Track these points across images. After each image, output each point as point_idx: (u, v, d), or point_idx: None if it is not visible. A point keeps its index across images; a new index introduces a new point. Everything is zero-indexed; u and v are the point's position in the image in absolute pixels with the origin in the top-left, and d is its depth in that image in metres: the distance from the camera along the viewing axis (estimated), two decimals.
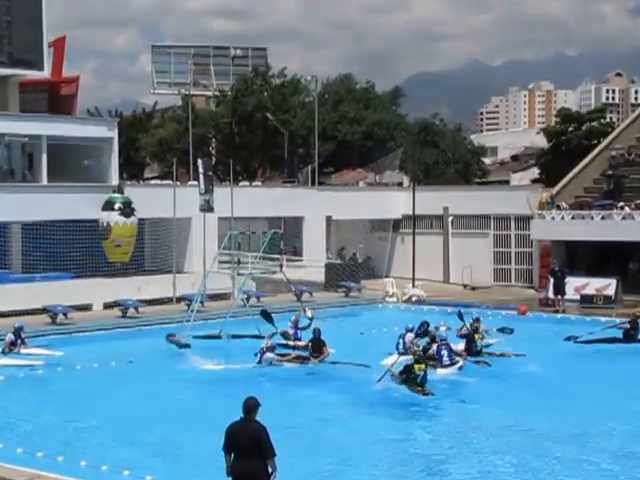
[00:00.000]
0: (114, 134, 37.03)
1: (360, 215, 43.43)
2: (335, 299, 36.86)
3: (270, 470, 10.54)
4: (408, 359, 21.20)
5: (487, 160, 72.08)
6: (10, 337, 24.98)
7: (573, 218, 38.27)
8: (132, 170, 60.04)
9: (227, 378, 21.55)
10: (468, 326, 25.24)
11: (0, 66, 37.88)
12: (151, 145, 60.92)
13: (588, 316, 31.98)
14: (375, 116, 60.23)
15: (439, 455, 15.75)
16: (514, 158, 78.89)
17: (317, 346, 24.03)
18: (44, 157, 35.17)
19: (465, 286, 40.77)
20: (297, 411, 18.89)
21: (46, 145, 35.09)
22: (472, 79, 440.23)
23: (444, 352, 22.56)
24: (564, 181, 42.00)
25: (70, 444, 16.14)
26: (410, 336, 23.57)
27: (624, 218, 37.01)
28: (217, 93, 61.07)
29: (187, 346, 25.61)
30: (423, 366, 20.15)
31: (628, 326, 26.84)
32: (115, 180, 36.62)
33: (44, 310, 30.02)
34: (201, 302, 30.24)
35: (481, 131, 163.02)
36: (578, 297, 34.89)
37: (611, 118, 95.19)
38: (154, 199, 35.62)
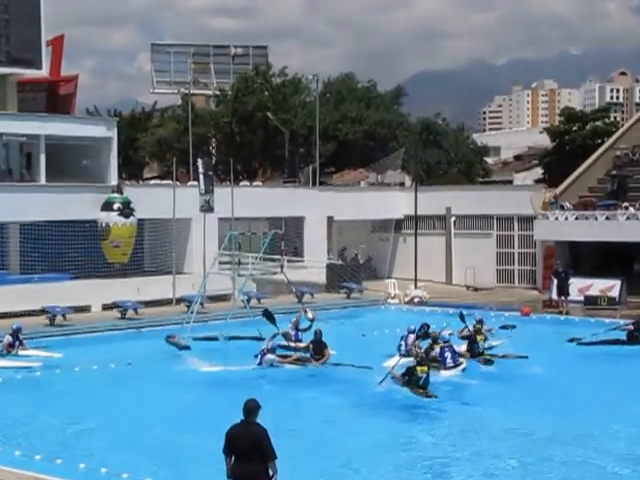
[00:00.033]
0: (113, 133, 37.02)
1: (362, 215, 43.42)
2: (336, 300, 36.87)
3: (271, 473, 10.52)
4: (410, 361, 21.21)
5: (490, 160, 72.05)
6: (8, 339, 24.97)
7: (577, 218, 38.24)
8: (131, 170, 60.06)
9: (227, 380, 21.54)
10: (470, 328, 25.23)
11: None
12: (150, 145, 60.93)
13: (592, 317, 31.97)
14: (377, 115, 60.28)
15: (442, 458, 15.74)
16: (517, 158, 78.96)
17: (318, 348, 24.02)
18: (42, 157, 35.17)
19: (468, 287, 40.78)
20: (298, 413, 18.91)
21: (44, 145, 35.07)
22: (475, 78, 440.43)
23: (447, 354, 22.58)
24: (568, 181, 41.97)
25: (69, 447, 16.16)
26: (412, 338, 23.59)
27: (628, 218, 36.97)
28: (217, 92, 61.10)
29: (187, 348, 25.63)
30: (425, 368, 20.15)
31: (632, 328, 26.79)
32: (114, 180, 36.62)
33: (42, 311, 30.05)
34: (201, 303, 30.26)
35: (484, 130, 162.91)
36: (582, 298, 34.86)
37: (615, 117, 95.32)
38: (153, 199, 35.62)
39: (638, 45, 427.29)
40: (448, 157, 60.86)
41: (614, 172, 41.13)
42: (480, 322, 25.68)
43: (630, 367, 24.09)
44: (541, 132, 71.74)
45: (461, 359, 23.00)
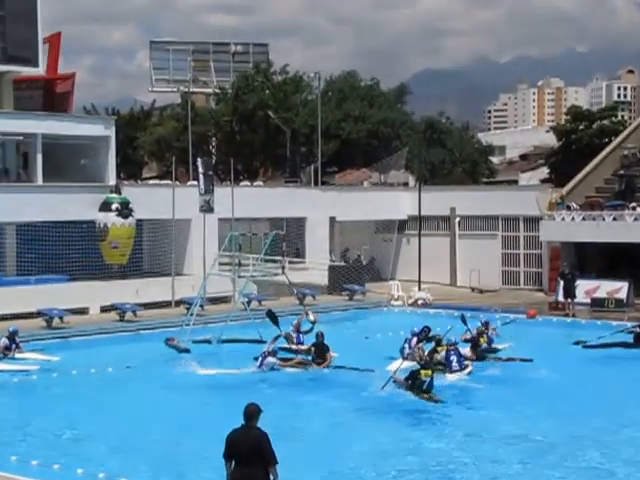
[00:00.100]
0: (111, 132, 37.03)
1: (364, 216, 43.39)
2: (339, 302, 36.85)
3: (272, 478, 10.52)
4: (413, 365, 21.20)
5: (495, 159, 72.07)
6: (4, 341, 24.99)
7: (584, 219, 38.21)
8: (130, 170, 60.10)
9: (227, 383, 21.56)
10: (474, 330, 25.24)
11: None
12: (149, 144, 60.93)
13: (599, 320, 31.96)
14: (380, 114, 60.28)
15: (446, 463, 15.69)
16: (523, 157, 78.93)
17: (320, 351, 24.02)
18: (39, 156, 35.17)
19: (472, 289, 40.77)
20: (300, 417, 18.89)
21: (41, 144, 35.08)
22: (479, 76, 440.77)
23: (453, 357, 22.60)
24: (574, 181, 41.95)
25: (66, 451, 16.14)
26: (415, 341, 23.56)
27: (636, 219, 36.92)
28: (217, 90, 61.10)
29: (187, 351, 25.62)
30: (429, 372, 20.13)
31: (639, 330, 26.79)
32: (112, 180, 36.62)
33: (39, 314, 30.05)
34: (201, 305, 30.25)
35: (489, 129, 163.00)
36: (589, 300, 34.85)
37: (623, 116, 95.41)
38: (153, 199, 35.64)
39: None
40: (452, 156, 60.86)
41: (621, 172, 41.13)
42: (486, 324, 25.70)
43: (637, 370, 24.08)
44: (547, 131, 71.73)
45: (467, 362, 23.02)
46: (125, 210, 34.54)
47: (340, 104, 60.70)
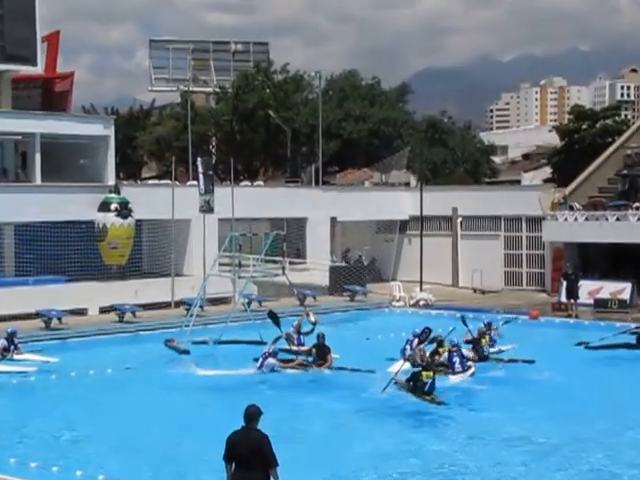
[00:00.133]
0: (110, 132, 37.03)
1: (366, 216, 43.39)
2: (340, 303, 36.83)
3: None
4: (415, 366, 21.20)
5: (497, 159, 72.12)
6: (3, 343, 24.99)
7: (587, 219, 38.20)
8: (129, 169, 60.17)
9: (227, 385, 21.55)
10: (474, 332, 25.23)
11: None
12: (149, 143, 60.97)
13: (602, 321, 31.96)
14: (381, 113, 60.31)
15: (449, 465, 15.67)
16: (525, 157, 79.02)
17: (322, 352, 24.01)
18: (38, 156, 35.17)
19: (475, 290, 40.75)
20: (300, 419, 18.89)
21: (40, 143, 35.08)
22: (481, 75, 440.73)
23: (456, 359, 22.62)
24: (577, 181, 41.95)
25: (65, 453, 16.14)
26: (417, 342, 23.53)
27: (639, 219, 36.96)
28: (217, 90, 61.15)
29: (186, 352, 25.60)
30: (431, 373, 20.11)
31: None
32: (111, 180, 36.63)
33: (38, 315, 30.03)
34: (201, 306, 30.24)
35: (491, 129, 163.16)
36: (592, 301, 34.83)
37: (626, 115, 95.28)
38: (152, 199, 35.64)
39: None
40: (454, 156, 60.89)
41: (625, 172, 41.11)
42: (488, 325, 25.69)
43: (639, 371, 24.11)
44: (550, 130, 71.76)
45: (469, 363, 23.02)
46: (124, 210, 34.53)
47: (341, 103, 60.74)
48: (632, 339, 26.71)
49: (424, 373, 20.05)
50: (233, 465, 10.68)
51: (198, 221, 34.85)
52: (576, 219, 38.40)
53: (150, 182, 48.34)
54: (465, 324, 25.80)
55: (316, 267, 39.28)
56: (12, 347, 25.02)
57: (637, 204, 37.83)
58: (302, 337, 26.02)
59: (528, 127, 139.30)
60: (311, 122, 53.48)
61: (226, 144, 57.18)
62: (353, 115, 59.37)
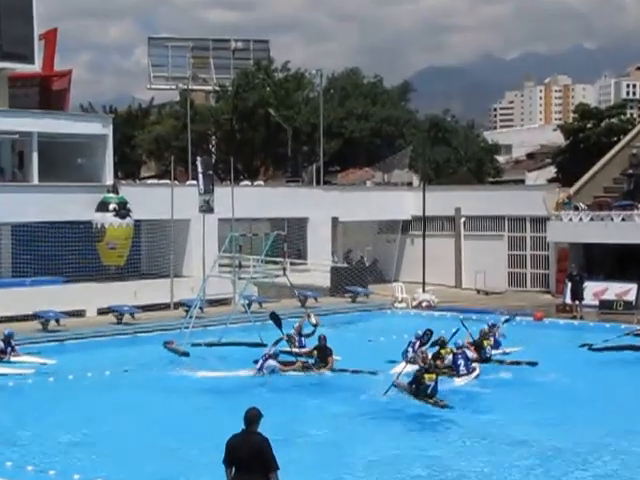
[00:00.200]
0: (109, 131, 37.01)
1: (368, 216, 43.38)
2: (341, 304, 36.86)
3: None
4: (416, 369, 21.19)
5: (501, 158, 72.16)
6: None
7: (592, 219, 38.17)
8: (128, 169, 60.18)
9: (228, 388, 21.55)
10: (475, 335, 25.22)
11: None
12: (148, 142, 60.99)
13: (607, 322, 31.93)
14: (383, 112, 60.32)
15: (452, 469, 15.65)
16: (529, 156, 79.01)
17: (323, 354, 23.98)
18: (35, 155, 35.14)
19: (478, 291, 40.75)
20: (301, 422, 18.90)
21: (37, 142, 35.06)
22: (485, 73, 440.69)
23: (460, 361, 22.62)
24: (582, 180, 41.95)
25: (62, 457, 16.13)
26: (419, 344, 23.52)
27: None
28: (217, 88, 61.19)
29: (186, 354, 25.57)
30: (434, 376, 20.08)
31: None
32: (110, 179, 36.62)
33: (35, 316, 30.04)
34: (200, 308, 30.21)
35: (495, 128, 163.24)
36: (597, 303, 34.86)
37: (632, 114, 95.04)
38: (151, 199, 35.64)
39: None
40: (457, 155, 60.92)
41: (630, 171, 41.08)
42: (492, 327, 25.66)
43: None
44: (554, 129, 71.76)
45: (474, 365, 23.02)
46: (123, 210, 34.52)
47: (342, 102, 60.74)
48: (637, 341, 26.67)
49: (427, 375, 20.01)
50: (233, 469, 10.67)
51: (198, 221, 34.86)
52: (581, 219, 38.38)
53: (149, 182, 48.33)
54: (464, 326, 25.76)
55: (317, 268, 39.28)
56: (9, 349, 24.97)
57: None
58: (303, 339, 26.01)
59: (532, 126, 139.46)
60: (312, 121, 53.50)
61: (226, 143, 57.21)
62: (355, 114, 59.39)
